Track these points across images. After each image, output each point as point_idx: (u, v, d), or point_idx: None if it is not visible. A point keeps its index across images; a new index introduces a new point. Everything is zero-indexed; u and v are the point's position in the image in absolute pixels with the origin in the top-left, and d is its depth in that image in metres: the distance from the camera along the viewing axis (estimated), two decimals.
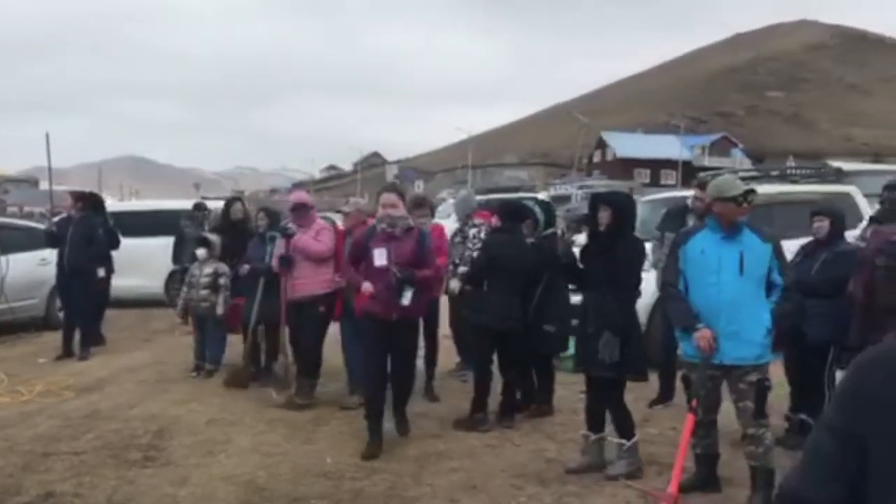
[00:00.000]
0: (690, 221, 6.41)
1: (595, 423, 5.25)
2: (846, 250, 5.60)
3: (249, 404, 6.97)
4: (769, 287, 4.46)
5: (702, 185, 10.60)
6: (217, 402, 7.06)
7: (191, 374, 8.20)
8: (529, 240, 6.56)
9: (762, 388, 4.43)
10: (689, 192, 7.30)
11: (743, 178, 7.91)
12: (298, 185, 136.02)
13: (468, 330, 6.65)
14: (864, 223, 6.68)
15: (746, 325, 4.40)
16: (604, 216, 5.14)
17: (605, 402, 5.21)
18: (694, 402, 4.57)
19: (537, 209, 6.49)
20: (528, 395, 6.67)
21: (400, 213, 5.72)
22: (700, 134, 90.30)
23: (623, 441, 5.12)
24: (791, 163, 30.94)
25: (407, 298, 5.52)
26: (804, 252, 5.72)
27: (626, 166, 75.95)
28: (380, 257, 5.58)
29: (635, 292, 5.16)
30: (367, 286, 5.59)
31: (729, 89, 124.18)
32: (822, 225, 5.67)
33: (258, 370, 7.88)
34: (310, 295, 6.88)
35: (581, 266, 5.33)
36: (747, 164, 62.39)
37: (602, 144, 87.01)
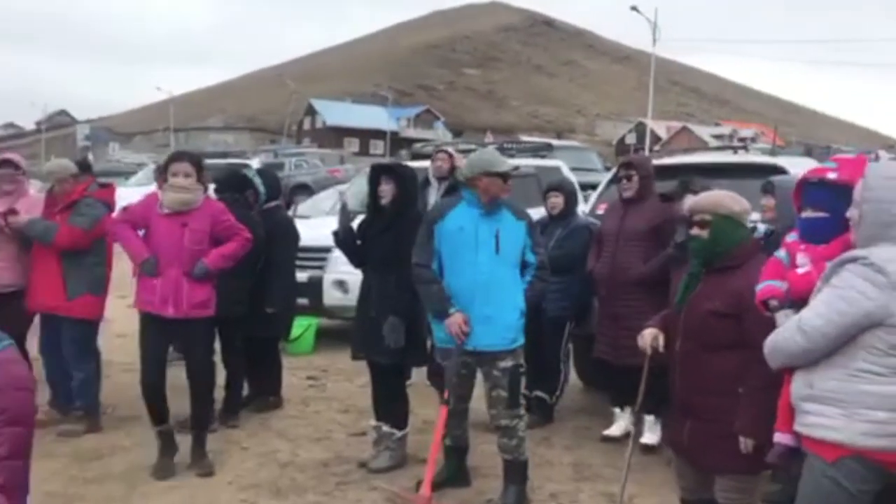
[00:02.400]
0: (432, 195, 6.07)
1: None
2: (579, 225, 5.59)
3: None
4: (523, 266, 4.23)
5: (418, 156, 10.60)
6: None
7: None
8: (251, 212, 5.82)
9: (516, 375, 4.19)
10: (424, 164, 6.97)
11: (462, 151, 7.84)
12: None
13: None
14: (594, 198, 6.80)
15: (500, 308, 4.12)
16: (386, 189, 4.64)
17: (387, 390, 4.79)
18: (446, 394, 4.24)
19: (257, 179, 5.76)
20: (254, 386, 5.99)
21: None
22: (405, 106, 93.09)
23: (394, 431, 4.72)
24: (489, 138, 32.52)
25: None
26: (540, 227, 5.60)
27: (337, 135, 76.08)
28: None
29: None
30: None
31: (430, 64, 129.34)
32: (557, 201, 5.60)
33: None
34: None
35: (360, 243, 4.81)
36: (449, 136, 65.45)
37: (312, 111, 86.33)
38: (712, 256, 3.22)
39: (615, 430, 5.28)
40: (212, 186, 5.15)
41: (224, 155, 23.55)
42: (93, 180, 5.48)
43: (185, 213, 4.59)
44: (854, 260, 2.47)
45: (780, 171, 5.51)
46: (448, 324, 4.14)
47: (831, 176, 2.88)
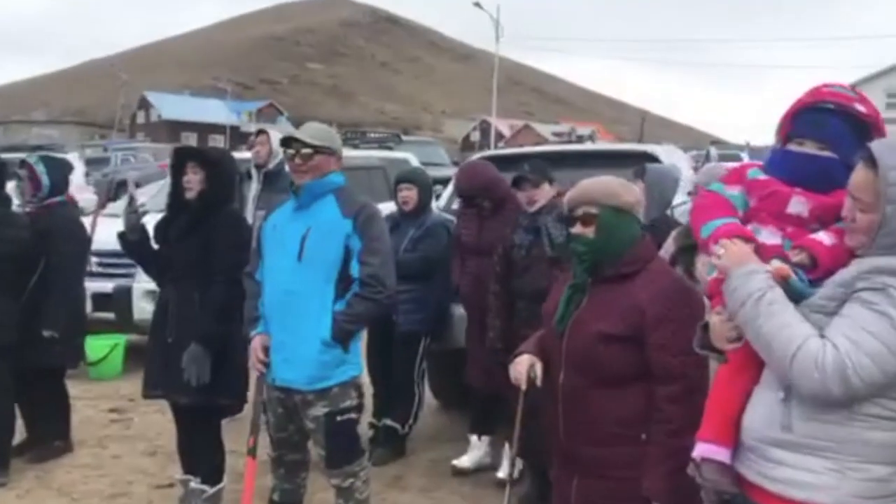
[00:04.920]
0: (253, 187, 5.06)
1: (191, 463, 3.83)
2: (436, 223, 4.78)
3: None
4: (344, 280, 3.18)
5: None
6: None
7: None
8: (25, 208, 4.65)
9: (333, 426, 3.16)
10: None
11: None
12: None
13: None
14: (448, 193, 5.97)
15: (295, 336, 3.14)
16: (194, 179, 3.64)
17: (194, 436, 3.81)
18: (250, 441, 3.32)
19: (40, 168, 4.57)
20: (33, 430, 4.80)
21: None
22: (247, 100, 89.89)
23: (205, 488, 3.74)
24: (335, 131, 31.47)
25: None
26: (390, 224, 4.75)
27: (173, 128, 72.16)
28: None
29: (234, 287, 3.57)
30: None
31: (273, 57, 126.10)
32: (410, 195, 4.78)
33: None
34: None
35: (156, 247, 3.79)
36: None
37: (146, 105, 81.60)
38: (601, 261, 2.49)
39: (467, 460, 4.52)
40: None
41: (38, 148, 21.19)
42: None
43: None
44: None
45: (651, 158, 4.95)
46: (251, 349, 3.27)
47: (860, 108, 2.02)
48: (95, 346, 6.49)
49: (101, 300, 6.90)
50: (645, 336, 2.39)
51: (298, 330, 3.14)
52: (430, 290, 4.61)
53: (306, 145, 3.17)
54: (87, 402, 5.88)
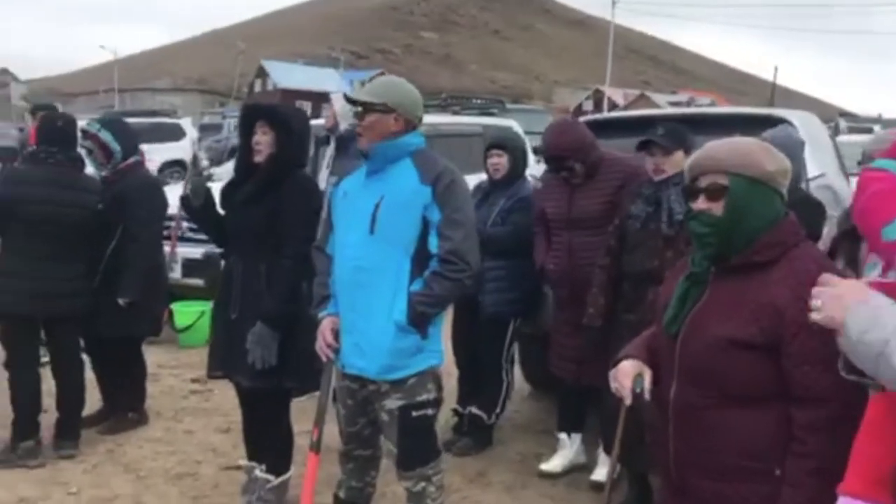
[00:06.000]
0: (328, 153, 4.66)
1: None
2: (529, 194, 4.29)
3: None
4: (422, 257, 2.76)
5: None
6: None
7: None
8: (101, 173, 4.43)
9: (410, 422, 2.78)
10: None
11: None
12: None
13: None
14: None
15: (366, 319, 2.75)
16: (263, 140, 3.31)
17: (260, 422, 3.51)
18: (314, 433, 2.95)
19: (105, 132, 4.33)
20: (108, 400, 4.65)
21: None
22: (360, 69, 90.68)
23: (269, 477, 3.44)
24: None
25: None
26: (479, 195, 4.30)
27: (288, 97, 73.46)
28: None
29: (303, 261, 3.22)
30: None
31: (387, 27, 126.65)
32: (500, 161, 4.31)
33: None
34: None
35: (222, 213, 3.48)
36: None
37: (262, 73, 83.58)
38: (729, 246, 1.95)
39: (556, 463, 4.05)
40: None
41: (153, 113, 21.77)
42: None
43: None
44: None
45: (780, 122, 4.27)
46: (319, 331, 2.89)
47: None
48: (183, 312, 6.38)
49: (190, 266, 6.80)
50: (783, 344, 1.85)
51: (369, 312, 2.74)
52: (520, 268, 4.12)
53: (355, 103, 2.77)
54: (170, 370, 5.76)
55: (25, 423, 3.99)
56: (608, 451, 3.53)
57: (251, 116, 3.41)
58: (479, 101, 10.65)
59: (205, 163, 3.72)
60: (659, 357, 2.09)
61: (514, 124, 9.23)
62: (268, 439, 3.49)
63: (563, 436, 4.08)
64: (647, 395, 2.06)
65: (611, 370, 2.15)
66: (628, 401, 2.06)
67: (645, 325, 2.41)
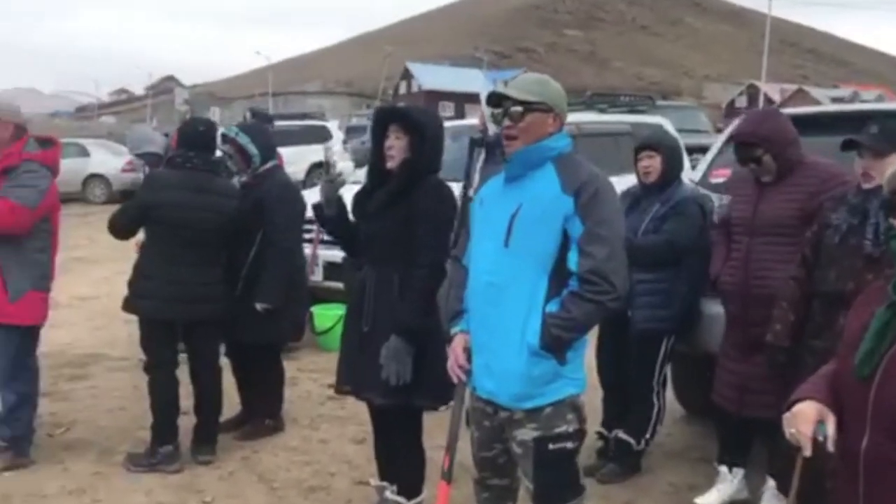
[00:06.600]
0: (481, 157, 4.40)
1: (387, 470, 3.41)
2: (686, 199, 3.90)
3: None
4: (561, 274, 2.46)
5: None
6: None
7: None
8: (241, 178, 4.42)
9: (546, 456, 2.49)
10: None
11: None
12: (82, 110, 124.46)
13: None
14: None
15: (499, 340, 2.49)
16: (396, 145, 3.13)
17: (392, 441, 3.36)
18: (445, 461, 2.73)
19: (243, 138, 4.30)
20: (246, 407, 4.65)
21: None
22: (504, 69, 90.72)
23: (400, 500, 3.28)
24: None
25: None
26: (629, 201, 3.95)
27: (432, 98, 74.62)
28: None
29: (440, 271, 3.09)
30: None
31: (530, 25, 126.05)
32: (652, 164, 3.94)
33: None
34: None
35: (353, 221, 3.35)
36: None
37: (408, 76, 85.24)
38: None
39: (712, 498, 3.64)
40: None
41: (303, 116, 22.49)
42: (28, 136, 4.05)
43: None
44: None
45: None
46: (450, 349, 2.68)
47: None
48: (323, 315, 6.38)
49: (331, 269, 6.80)
50: None
51: (501, 332, 2.48)
52: (675, 281, 3.76)
53: (514, 102, 2.48)
54: (308, 374, 5.74)
55: (164, 426, 4.01)
56: (783, 492, 3.13)
57: (384, 120, 3.24)
58: (626, 98, 10.15)
59: (338, 167, 3.54)
60: (844, 400, 1.75)
61: (665, 122, 8.74)
62: (400, 459, 3.32)
63: (723, 469, 3.67)
64: (830, 447, 1.73)
65: (784, 412, 1.83)
66: (807, 452, 1.75)
67: (832, 354, 2.05)
